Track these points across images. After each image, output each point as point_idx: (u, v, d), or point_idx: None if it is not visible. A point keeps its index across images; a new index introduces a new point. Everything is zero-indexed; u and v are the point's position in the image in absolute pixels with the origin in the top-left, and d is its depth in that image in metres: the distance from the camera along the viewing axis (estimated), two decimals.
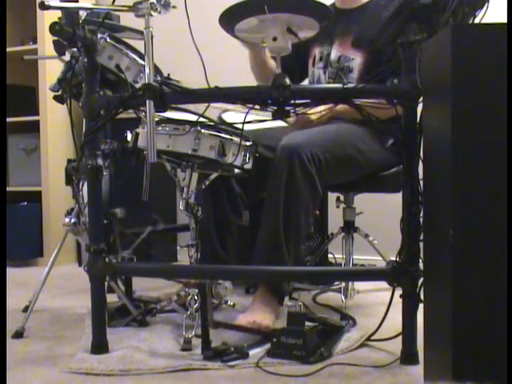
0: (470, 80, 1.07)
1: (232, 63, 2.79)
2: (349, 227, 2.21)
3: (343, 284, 2.13)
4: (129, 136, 1.85)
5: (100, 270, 1.67)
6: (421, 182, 1.41)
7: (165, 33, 2.57)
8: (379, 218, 2.68)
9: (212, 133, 1.73)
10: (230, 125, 1.81)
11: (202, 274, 1.73)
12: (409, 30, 1.46)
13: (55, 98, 2.04)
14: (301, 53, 2.23)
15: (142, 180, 2.14)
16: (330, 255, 2.62)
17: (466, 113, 1.08)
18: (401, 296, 1.55)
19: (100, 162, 1.67)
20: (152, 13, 1.46)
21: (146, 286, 2.42)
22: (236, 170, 1.89)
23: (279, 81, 1.52)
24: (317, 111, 2.02)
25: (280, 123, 2.27)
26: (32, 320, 1.93)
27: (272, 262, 1.83)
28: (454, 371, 1.08)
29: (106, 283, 1.81)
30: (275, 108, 1.56)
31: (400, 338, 1.57)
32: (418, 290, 1.51)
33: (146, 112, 1.50)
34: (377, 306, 2.16)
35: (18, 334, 1.86)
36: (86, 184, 1.78)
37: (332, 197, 2.30)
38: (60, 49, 1.86)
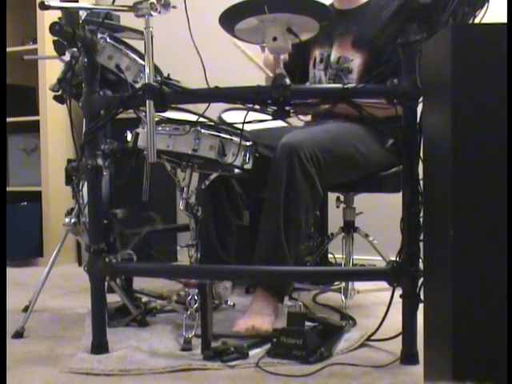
0: (470, 80, 1.07)
1: (232, 63, 2.80)
2: (349, 227, 2.21)
3: (343, 284, 2.14)
4: (129, 136, 1.85)
5: (100, 270, 1.67)
6: (421, 182, 1.41)
7: (165, 33, 2.57)
8: (379, 218, 2.68)
9: (212, 133, 1.73)
10: (230, 125, 1.81)
11: (202, 273, 1.73)
12: (409, 30, 1.46)
13: (55, 98, 2.04)
14: (301, 54, 2.23)
15: (142, 180, 2.14)
16: (330, 255, 2.62)
17: (465, 113, 1.08)
18: (401, 296, 1.55)
19: (100, 162, 1.68)
20: (152, 13, 1.46)
21: (147, 286, 2.42)
22: (236, 170, 1.89)
23: (279, 81, 1.52)
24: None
25: (280, 123, 2.28)
26: (32, 320, 1.93)
27: (272, 262, 1.83)
28: (454, 371, 1.08)
29: (106, 283, 1.81)
30: (275, 108, 1.56)
31: (400, 338, 1.57)
32: (417, 290, 1.51)
33: (145, 112, 1.51)
34: (377, 306, 2.16)
35: (18, 334, 1.86)
36: (86, 184, 1.78)
37: (332, 197, 2.30)
38: (60, 49, 1.86)
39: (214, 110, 1.79)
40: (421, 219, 1.47)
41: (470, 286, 1.08)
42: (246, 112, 1.61)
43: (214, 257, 2.10)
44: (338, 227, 2.26)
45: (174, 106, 1.80)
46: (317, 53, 2.23)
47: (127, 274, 2.01)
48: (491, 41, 1.07)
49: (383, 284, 1.58)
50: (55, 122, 3.29)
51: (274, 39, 1.56)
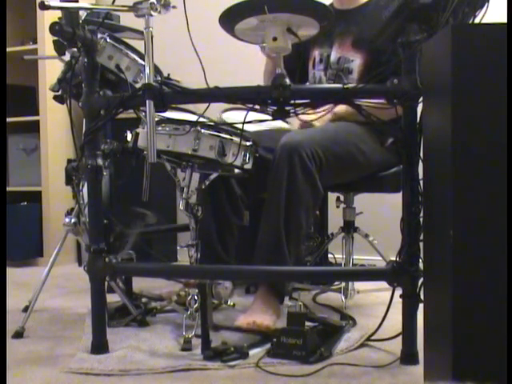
0: (470, 80, 1.07)
1: (232, 63, 2.80)
2: (349, 227, 2.21)
3: (343, 284, 2.14)
4: (129, 136, 1.85)
5: (100, 270, 1.67)
6: (421, 182, 1.41)
7: (165, 33, 2.57)
8: (379, 218, 2.68)
9: (212, 133, 1.73)
10: (230, 125, 1.81)
11: (202, 273, 1.73)
12: (409, 30, 1.46)
13: (55, 98, 2.04)
14: (301, 54, 2.23)
15: (142, 180, 2.14)
16: (330, 255, 2.62)
17: (465, 113, 1.08)
18: (401, 296, 1.55)
19: (100, 162, 1.68)
20: (152, 13, 1.46)
21: (146, 286, 2.42)
22: (236, 170, 1.89)
23: (279, 81, 1.52)
24: (317, 115, 2.02)
25: (280, 123, 2.27)
26: (32, 320, 1.93)
27: (273, 262, 1.83)
28: (454, 371, 1.08)
29: (106, 283, 1.81)
30: (275, 108, 1.56)
31: (400, 338, 1.57)
32: (417, 290, 1.51)
33: (145, 112, 1.51)
34: (377, 306, 2.16)
35: (18, 334, 1.86)
36: (86, 184, 1.78)
37: (332, 197, 2.30)
38: (60, 49, 1.86)
39: (214, 110, 1.78)
40: (421, 219, 1.47)
41: (470, 286, 1.08)
42: (245, 112, 1.61)
43: (214, 257, 2.10)
44: (338, 227, 2.26)
45: (173, 106, 1.80)
46: (316, 53, 2.23)
47: (127, 273, 2.01)
48: (491, 41, 1.07)
49: (383, 284, 1.58)
50: (55, 122, 3.29)
51: (274, 39, 1.56)
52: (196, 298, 1.77)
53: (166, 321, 1.99)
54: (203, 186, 1.90)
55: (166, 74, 2.10)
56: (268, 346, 1.66)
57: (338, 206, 2.26)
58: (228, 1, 1.49)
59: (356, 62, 2.12)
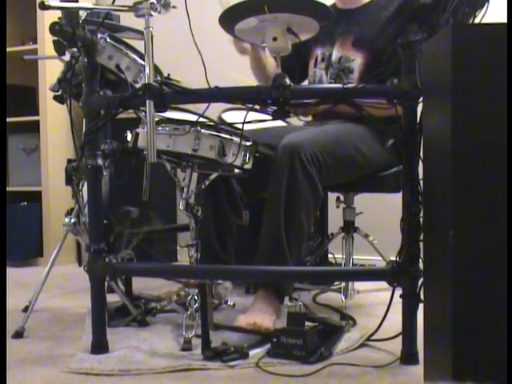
0: (470, 80, 1.07)
1: (232, 63, 2.80)
2: (349, 227, 2.21)
3: (343, 284, 2.13)
4: (129, 136, 1.85)
5: (100, 270, 1.67)
6: (421, 182, 1.41)
7: (165, 33, 2.57)
8: (379, 218, 2.68)
9: (212, 133, 1.73)
10: (230, 125, 1.81)
11: (202, 273, 1.73)
12: (409, 30, 1.46)
13: (55, 98, 2.04)
14: (301, 53, 2.23)
15: (142, 180, 2.14)
16: (330, 255, 2.62)
17: (466, 113, 1.08)
18: (401, 296, 1.55)
19: (100, 162, 1.68)
20: (152, 13, 1.46)
21: (146, 286, 2.42)
22: (236, 170, 1.89)
23: (279, 81, 1.52)
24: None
25: (280, 123, 2.28)
26: (32, 320, 1.93)
27: (274, 263, 1.83)
28: (454, 371, 1.08)
29: (106, 283, 1.81)
30: (275, 108, 1.56)
31: (400, 338, 1.57)
32: (417, 290, 1.51)
33: (146, 112, 1.50)
34: (377, 306, 2.16)
35: (18, 334, 1.86)
36: (86, 184, 1.78)
37: (332, 197, 2.30)
38: (60, 49, 1.86)
39: (214, 110, 1.78)
40: (421, 219, 1.47)
41: (470, 286, 1.08)
42: (245, 112, 1.61)
43: (214, 257, 2.10)
44: (338, 227, 2.26)
45: (173, 106, 1.80)
46: (318, 52, 2.23)
47: (127, 273, 2.01)
48: (491, 41, 1.07)
49: (383, 284, 1.57)
50: (55, 122, 3.29)
51: (274, 39, 1.56)
52: (196, 297, 1.76)
53: (165, 321, 1.99)
54: (203, 186, 1.90)
55: (166, 74, 2.10)
56: (268, 346, 1.66)
57: (338, 206, 2.26)
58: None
59: (357, 61, 2.12)
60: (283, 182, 1.84)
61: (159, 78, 1.92)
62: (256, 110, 1.78)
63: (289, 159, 1.84)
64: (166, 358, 1.63)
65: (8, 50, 3.05)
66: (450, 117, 1.08)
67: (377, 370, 1.52)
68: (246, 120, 1.63)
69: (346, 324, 1.85)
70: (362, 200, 2.27)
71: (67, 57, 1.95)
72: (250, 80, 2.20)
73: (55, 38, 1.71)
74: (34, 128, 3.30)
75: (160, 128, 1.72)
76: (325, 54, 2.21)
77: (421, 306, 1.42)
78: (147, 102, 1.49)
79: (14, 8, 3.40)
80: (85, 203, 1.85)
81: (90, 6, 1.72)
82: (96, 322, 1.69)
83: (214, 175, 1.90)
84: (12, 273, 2.96)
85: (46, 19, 3.13)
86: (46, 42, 3.19)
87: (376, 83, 1.55)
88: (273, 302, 1.87)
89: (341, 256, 2.26)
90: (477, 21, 1.36)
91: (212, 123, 1.79)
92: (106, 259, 1.66)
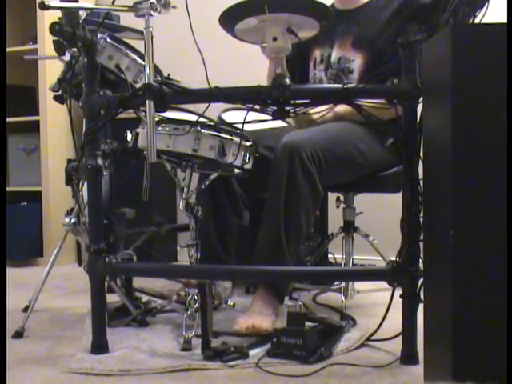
0: (470, 80, 1.07)
1: (232, 63, 2.80)
2: (349, 227, 2.21)
3: (343, 284, 2.13)
4: (129, 136, 1.85)
5: (100, 270, 1.67)
6: (421, 182, 1.41)
7: (165, 33, 2.57)
8: (379, 218, 2.68)
9: (212, 133, 1.73)
10: (230, 125, 1.81)
11: (201, 273, 1.73)
12: (409, 30, 1.46)
13: (55, 98, 2.04)
14: (301, 54, 2.23)
15: (142, 180, 2.14)
16: (330, 255, 2.63)
17: (465, 113, 1.08)
18: (401, 296, 1.55)
19: (100, 162, 1.68)
20: (152, 13, 1.46)
21: (146, 286, 2.42)
22: (236, 170, 1.89)
23: (279, 81, 1.52)
24: (318, 111, 2.02)
25: (280, 123, 2.27)
26: (32, 320, 1.93)
27: (273, 263, 1.83)
28: (454, 371, 1.08)
29: (106, 283, 1.81)
30: (275, 108, 1.56)
31: (400, 338, 1.57)
32: (417, 290, 1.51)
33: (146, 112, 1.50)
34: (377, 306, 2.16)
35: (18, 334, 1.86)
36: (86, 184, 1.78)
37: (332, 197, 2.30)
38: (60, 49, 1.86)
39: (214, 110, 1.78)
40: (421, 219, 1.47)
41: (470, 286, 1.08)
42: (246, 112, 1.61)
43: (214, 257, 2.10)
44: (338, 227, 2.26)
45: (173, 106, 1.80)
46: (317, 53, 2.23)
47: (127, 273, 2.01)
48: (491, 41, 1.07)
49: (383, 284, 1.58)
50: (55, 122, 3.29)
51: (274, 39, 1.56)
52: (196, 298, 1.77)
53: (165, 321, 1.99)
54: (203, 186, 1.90)
55: (166, 74, 2.10)
56: (268, 346, 1.66)
57: (338, 206, 2.26)
58: (228, 1, 1.49)
59: (356, 61, 2.12)
60: (283, 180, 1.84)
61: (159, 78, 1.92)
62: (256, 110, 1.78)
63: (289, 158, 1.84)
64: (166, 358, 1.63)
65: (8, 50, 3.05)
66: (450, 117, 1.08)
67: (377, 370, 1.52)
68: (246, 120, 1.63)
69: (346, 324, 1.85)
70: (362, 200, 2.27)
71: (67, 57, 1.95)
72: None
73: (55, 38, 1.71)
74: (34, 128, 3.30)
75: (160, 128, 1.72)
76: (323, 56, 2.21)
77: (421, 306, 1.42)
78: (147, 102, 1.49)
79: (14, 8, 3.41)
80: (85, 203, 1.85)
81: (89, 6, 1.72)
82: (96, 322, 1.69)
83: (214, 175, 1.90)
84: (12, 273, 2.96)
85: (46, 19, 3.13)
86: (46, 42, 3.19)
87: (376, 83, 1.55)
88: (272, 302, 1.87)
89: (341, 256, 2.26)
90: (477, 21, 1.36)
91: (212, 123, 1.79)
92: (106, 259, 1.66)
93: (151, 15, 1.46)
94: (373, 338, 1.72)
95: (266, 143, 2.01)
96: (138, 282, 2.15)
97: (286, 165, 1.84)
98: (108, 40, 1.89)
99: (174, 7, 1.50)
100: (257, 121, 1.75)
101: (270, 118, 1.66)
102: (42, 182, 3.29)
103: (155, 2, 1.45)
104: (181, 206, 1.82)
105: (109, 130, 2.12)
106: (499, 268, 1.06)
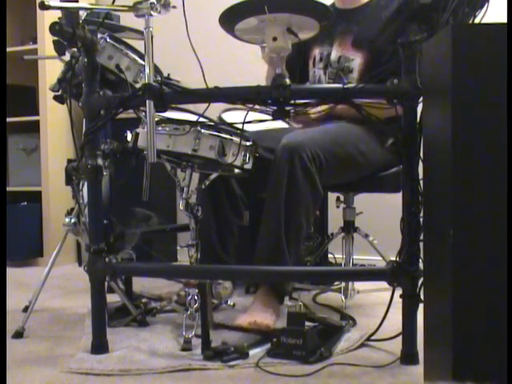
0: (470, 80, 1.07)
1: (232, 63, 2.80)
2: (349, 227, 2.21)
3: (343, 284, 2.13)
4: (129, 136, 1.85)
5: (100, 270, 1.67)
6: (421, 182, 1.41)
7: (165, 33, 2.57)
8: (379, 218, 2.68)
9: (212, 133, 1.73)
10: (230, 125, 1.81)
11: (201, 273, 1.73)
12: (409, 30, 1.46)
13: (55, 98, 2.04)
14: (301, 53, 2.23)
15: (142, 180, 2.14)
16: (330, 255, 2.62)
17: (465, 113, 1.08)
18: (401, 296, 1.55)
19: (100, 162, 1.68)
20: (152, 13, 1.46)
21: (146, 286, 2.42)
22: (236, 170, 1.89)
23: (279, 81, 1.52)
24: (317, 111, 2.03)
25: (280, 123, 2.27)
26: (32, 320, 1.93)
27: (273, 263, 1.83)
28: (454, 371, 1.08)
29: (106, 283, 1.81)
30: (275, 108, 1.56)
31: (400, 338, 1.57)
32: (417, 290, 1.51)
33: (146, 112, 1.50)
34: (377, 306, 2.16)
35: (18, 334, 1.86)
36: (86, 184, 1.78)
37: (332, 197, 2.30)
38: (60, 49, 1.86)
39: (214, 110, 1.78)
40: (421, 219, 1.47)
41: (470, 286, 1.08)
42: (245, 112, 1.61)
43: (214, 257, 2.10)
44: (338, 227, 2.26)
45: (173, 106, 1.80)
46: (316, 52, 2.23)
47: (127, 273, 2.01)
48: (491, 41, 1.07)
49: (383, 284, 1.58)
50: (55, 122, 3.29)
51: (274, 39, 1.56)
52: (196, 298, 1.77)
53: (165, 321, 1.99)
54: (203, 186, 1.90)
55: (166, 74, 2.09)
56: (268, 345, 1.66)
57: (338, 206, 2.26)
58: (228, 1, 1.49)
59: (356, 61, 2.12)
60: (283, 181, 1.84)
61: (159, 78, 1.92)
62: (256, 110, 1.78)
63: (289, 158, 1.84)
64: (166, 358, 1.63)
65: (8, 50, 3.05)
66: (450, 117, 1.08)
67: (377, 370, 1.52)
68: (246, 120, 1.63)
69: (346, 324, 1.85)
70: (362, 200, 2.27)
71: (67, 57, 1.95)
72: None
73: (55, 38, 1.71)
74: (34, 128, 3.30)
75: (160, 128, 1.72)
76: (323, 54, 2.21)
77: (421, 306, 1.42)
78: (147, 102, 1.49)
79: (14, 8, 3.41)
80: (85, 203, 1.85)
81: (89, 6, 1.73)
82: (96, 322, 1.69)
83: (214, 175, 1.90)
84: (12, 273, 2.96)
85: (46, 19, 3.13)
86: (46, 42, 3.19)
87: (376, 83, 1.55)
88: (272, 301, 1.87)
89: (341, 256, 2.26)
90: (477, 21, 1.36)
91: (212, 123, 1.79)
92: (106, 259, 1.66)
93: (151, 15, 1.46)
94: (373, 337, 1.72)
95: (265, 144, 2.00)
96: (138, 282, 2.15)
97: (286, 165, 1.84)
98: (108, 40, 1.89)
99: (173, 7, 1.50)
100: (257, 121, 1.75)
101: (269, 118, 1.66)
102: (42, 181, 3.29)
103: (155, 2, 1.45)
104: (181, 206, 1.82)
105: (109, 129, 2.12)
106: (499, 268, 1.06)
